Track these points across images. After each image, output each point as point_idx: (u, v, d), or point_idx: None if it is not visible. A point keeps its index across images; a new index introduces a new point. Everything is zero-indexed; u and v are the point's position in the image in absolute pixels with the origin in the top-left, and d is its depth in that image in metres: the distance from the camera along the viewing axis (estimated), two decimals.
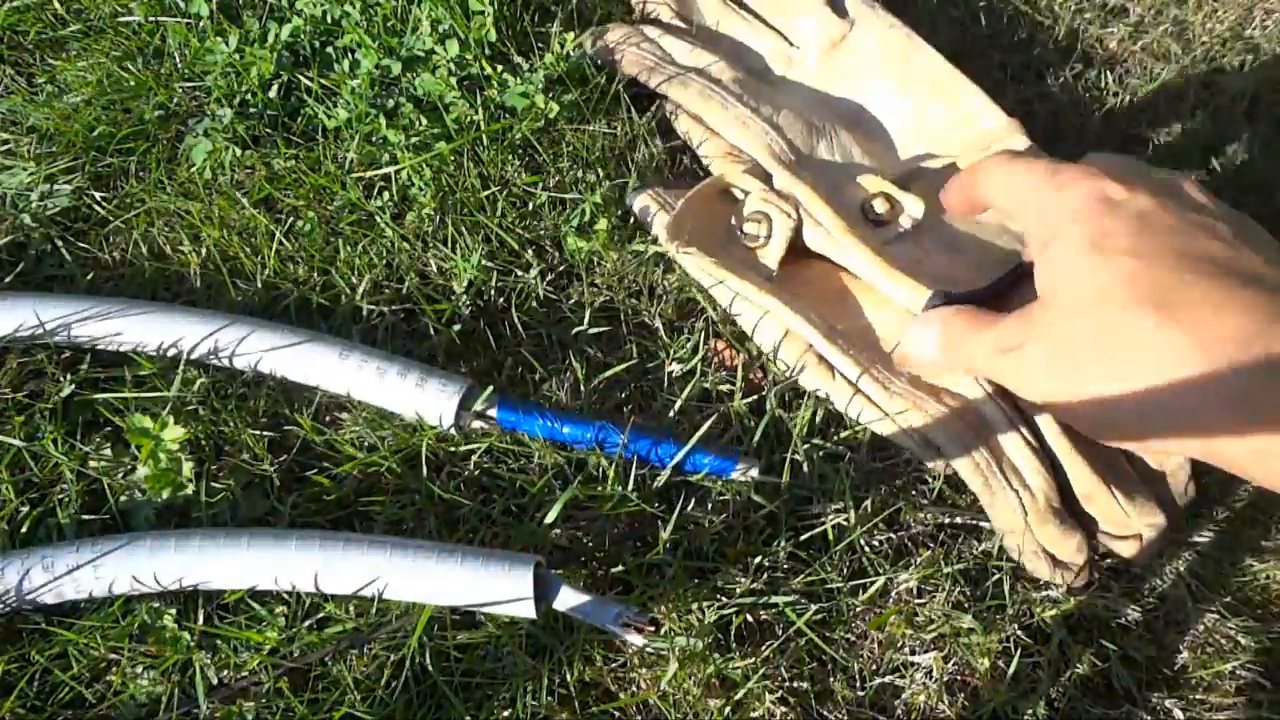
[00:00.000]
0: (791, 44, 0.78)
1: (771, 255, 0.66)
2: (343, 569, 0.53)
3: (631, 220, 0.70)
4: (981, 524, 0.60)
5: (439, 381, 0.59)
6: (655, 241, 0.67)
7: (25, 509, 0.59)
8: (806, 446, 0.59)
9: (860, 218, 0.67)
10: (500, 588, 0.51)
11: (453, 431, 0.60)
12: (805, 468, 0.59)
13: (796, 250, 0.67)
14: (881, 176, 0.69)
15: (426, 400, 0.59)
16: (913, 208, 0.67)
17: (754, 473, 0.59)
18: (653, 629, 0.51)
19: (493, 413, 0.60)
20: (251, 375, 0.63)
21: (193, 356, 0.62)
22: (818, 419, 0.61)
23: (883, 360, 0.62)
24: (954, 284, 0.62)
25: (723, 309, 0.65)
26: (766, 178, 0.68)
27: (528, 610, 0.52)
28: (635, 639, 0.51)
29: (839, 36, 0.76)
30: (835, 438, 0.61)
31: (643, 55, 0.75)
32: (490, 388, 0.60)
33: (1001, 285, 0.62)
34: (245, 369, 0.62)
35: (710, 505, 0.59)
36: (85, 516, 0.59)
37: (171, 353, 0.62)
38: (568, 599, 0.52)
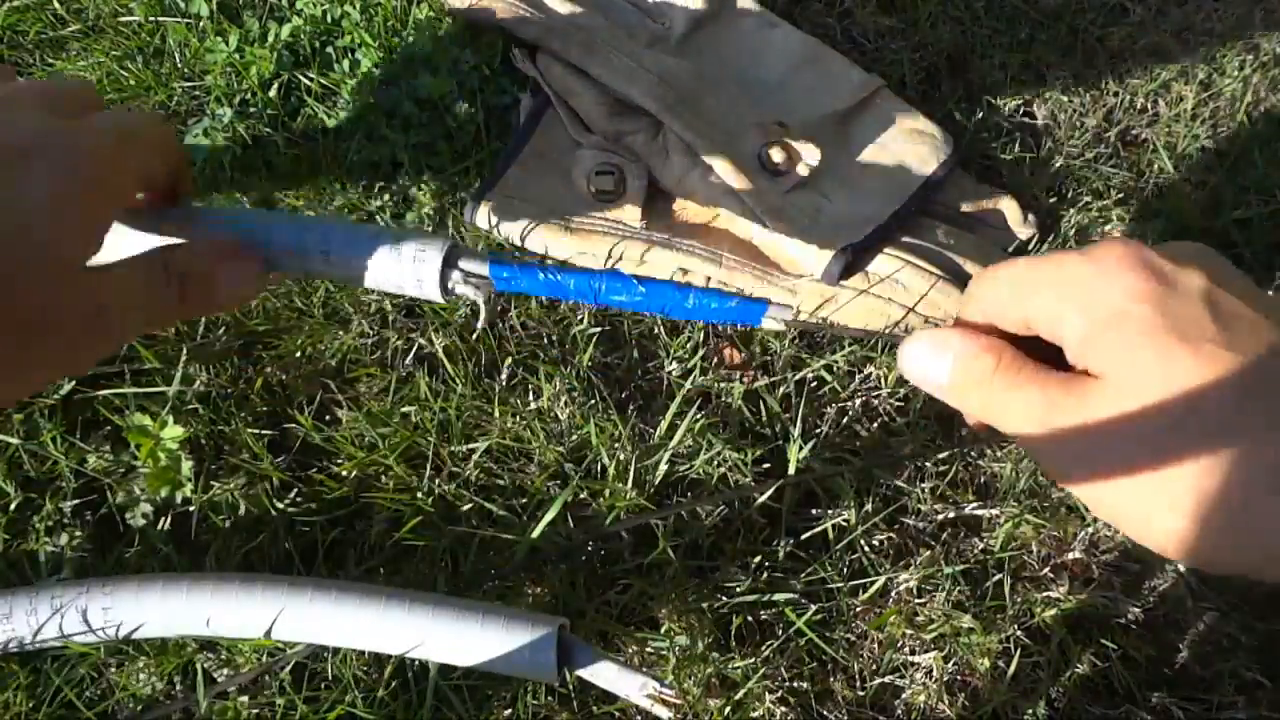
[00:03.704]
0: (655, 20, 0.77)
1: (632, 208, 0.66)
2: (358, 624, 0.51)
3: None
4: (982, 516, 0.60)
5: (416, 243, 0.47)
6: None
7: (25, 511, 0.59)
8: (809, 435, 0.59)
9: (758, 168, 0.66)
10: (523, 654, 0.50)
11: (440, 298, 0.48)
12: (808, 458, 0.59)
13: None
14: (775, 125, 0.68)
15: (404, 267, 0.47)
16: (809, 155, 0.67)
17: (788, 315, 0.50)
18: (679, 701, 0.50)
19: (484, 272, 0.48)
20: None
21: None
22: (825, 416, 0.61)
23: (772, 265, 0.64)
24: (865, 222, 0.64)
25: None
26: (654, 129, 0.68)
27: (550, 677, 0.50)
28: (663, 713, 0.50)
29: (703, 15, 0.76)
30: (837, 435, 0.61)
31: (517, 7, 0.72)
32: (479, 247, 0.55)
33: (907, 210, 0.65)
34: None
35: (709, 502, 0.59)
36: (85, 517, 0.59)
37: None
38: (591, 666, 0.50)
